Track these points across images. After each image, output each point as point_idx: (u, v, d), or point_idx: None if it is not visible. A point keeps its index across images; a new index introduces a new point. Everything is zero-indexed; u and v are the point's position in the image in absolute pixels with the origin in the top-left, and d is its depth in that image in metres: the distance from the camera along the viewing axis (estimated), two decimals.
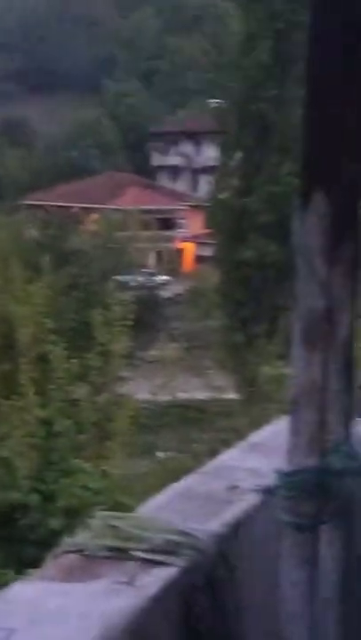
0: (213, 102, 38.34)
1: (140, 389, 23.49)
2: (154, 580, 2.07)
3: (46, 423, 10.99)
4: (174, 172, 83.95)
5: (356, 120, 2.35)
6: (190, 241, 65.69)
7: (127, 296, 21.35)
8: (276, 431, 3.04)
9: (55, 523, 9.89)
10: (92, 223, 49.80)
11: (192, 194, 75.48)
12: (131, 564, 2.12)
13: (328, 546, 2.45)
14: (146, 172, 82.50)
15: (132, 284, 41.50)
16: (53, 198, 61.63)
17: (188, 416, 25.76)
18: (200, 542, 2.23)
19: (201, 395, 25.68)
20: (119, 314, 20.00)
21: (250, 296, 33.18)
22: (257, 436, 3.21)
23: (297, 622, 2.32)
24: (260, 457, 2.89)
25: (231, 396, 26.76)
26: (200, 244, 58.07)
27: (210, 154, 60.59)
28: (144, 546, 2.17)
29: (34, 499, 10.19)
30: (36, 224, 42.96)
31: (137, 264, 47.61)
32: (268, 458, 2.80)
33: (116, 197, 65.22)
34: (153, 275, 53.38)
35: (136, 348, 25.98)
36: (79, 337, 24.96)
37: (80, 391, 19.74)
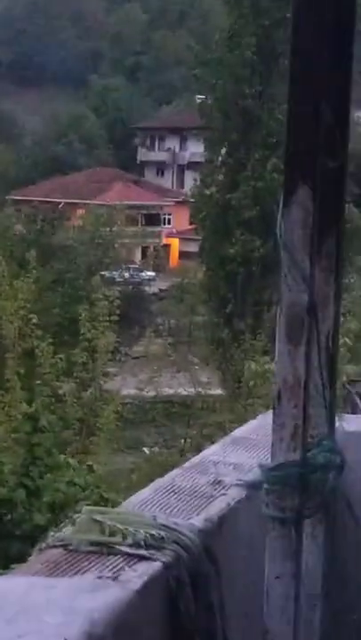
0: (199, 98, 38.33)
1: (126, 385, 23.47)
2: (138, 574, 2.08)
3: (32, 418, 10.96)
4: (160, 167, 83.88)
5: (339, 117, 2.36)
6: (176, 237, 65.66)
7: (113, 292, 21.30)
8: (260, 426, 3.05)
9: (40, 518, 9.88)
10: (77, 218, 49.70)
11: (178, 189, 75.45)
12: (115, 559, 2.13)
13: (312, 539, 2.46)
14: (131, 167, 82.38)
15: (118, 279, 41.46)
16: (39, 193, 61.50)
17: (173, 411, 25.76)
18: (184, 537, 2.24)
19: (186, 390, 25.67)
20: (105, 309, 19.98)
21: (235, 292, 33.19)
22: (241, 431, 3.22)
23: (281, 615, 2.33)
24: (243, 452, 2.90)
25: (216, 391, 26.78)
26: (186, 239, 58.04)
27: (195, 149, 60.56)
28: (129, 541, 2.17)
29: (19, 494, 10.17)
30: (21, 219, 42.84)
31: (123, 260, 47.56)
32: (251, 452, 2.81)
33: (102, 193, 65.11)
34: (139, 270, 53.36)
35: (121, 343, 25.94)
36: (65, 332, 24.94)
37: (66, 387, 19.74)
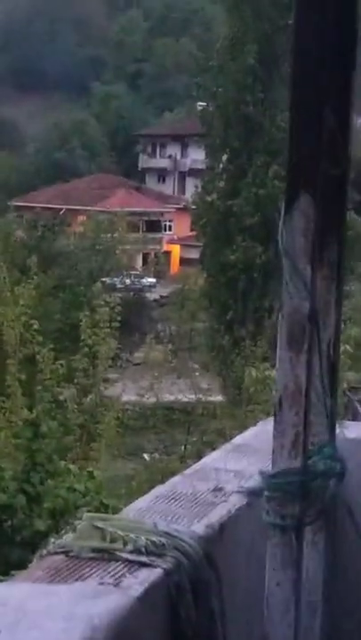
0: (200, 105, 38.38)
1: (126, 391, 23.46)
2: (139, 581, 2.08)
3: (32, 424, 10.96)
4: (161, 174, 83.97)
5: (340, 124, 2.36)
6: (177, 243, 65.69)
7: (114, 298, 21.31)
8: (261, 433, 3.05)
9: (41, 524, 9.87)
10: (79, 225, 49.75)
11: (179, 196, 75.52)
12: (116, 566, 2.13)
13: (312, 546, 2.46)
14: (133, 174, 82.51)
15: (119, 286, 41.47)
16: (41, 200, 61.58)
17: (174, 418, 25.76)
18: (185, 544, 2.24)
19: (186, 397, 25.66)
20: (106, 316, 19.98)
21: (236, 298, 33.19)
22: (241, 438, 3.22)
23: (282, 622, 2.33)
24: (244, 459, 2.90)
25: (217, 398, 26.78)
26: (187, 246, 58.06)
27: (197, 156, 60.62)
28: (129, 547, 2.17)
29: (20, 500, 10.16)
30: (23, 225, 42.88)
31: (124, 266, 47.57)
32: (252, 459, 2.81)
33: (104, 199, 65.20)
34: (140, 277, 53.37)
35: (122, 349, 25.94)
36: (66, 338, 24.96)
37: (66, 393, 19.73)
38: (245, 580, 2.55)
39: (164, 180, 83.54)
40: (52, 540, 2.23)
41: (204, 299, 35.93)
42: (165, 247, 65.62)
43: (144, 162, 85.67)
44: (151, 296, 50.22)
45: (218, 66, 34.60)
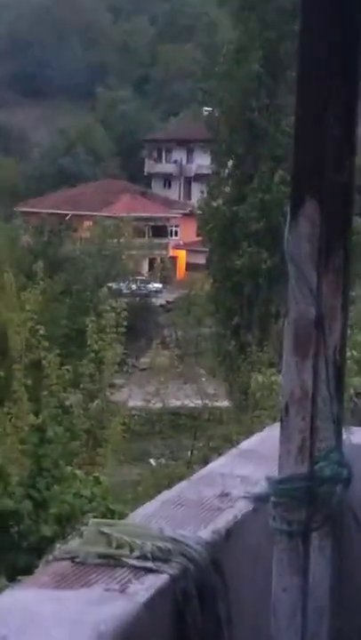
0: (206, 110, 38.43)
1: (133, 396, 23.47)
2: (146, 587, 2.08)
3: (39, 430, 10.97)
4: (167, 179, 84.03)
5: (346, 130, 2.37)
6: (183, 248, 65.71)
7: (120, 303, 21.33)
8: (267, 438, 3.05)
9: (47, 529, 9.88)
10: (85, 230, 49.81)
11: (185, 201, 75.55)
12: (123, 572, 2.13)
13: (319, 552, 2.46)
14: (139, 179, 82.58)
15: (125, 291, 41.50)
16: (47, 205, 61.65)
17: (180, 423, 25.76)
18: (191, 549, 2.24)
19: (193, 402, 25.66)
20: (112, 321, 20.01)
21: (242, 304, 33.20)
22: (248, 444, 3.22)
23: (288, 628, 2.33)
24: (251, 464, 2.90)
25: (223, 403, 26.77)
26: (193, 251, 58.09)
27: (202, 162, 60.66)
28: (136, 553, 2.17)
29: (26, 506, 10.17)
30: (29, 231, 42.95)
31: (130, 271, 47.62)
32: (259, 465, 2.81)
33: (110, 205, 65.26)
34: (146, 282, 53.40)
35: (128, 355, 25.96)
36: (72, 344, 24.98)
37: (73, 398, 19.75)
38: (252, 585, 2.55)
39: (169, 186, 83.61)
40: (59, 545, 2.24)
41: (211, 304, 35.94)
42: (171, 252, 65.65)
43: (150, 167, 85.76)
44: (157, 301, 50.25)
45: (223, 71, 34.64)
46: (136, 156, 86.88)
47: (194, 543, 2.26)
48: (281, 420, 2.31)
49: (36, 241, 39.82)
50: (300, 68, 2.28)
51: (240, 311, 33.10)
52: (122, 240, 46.48)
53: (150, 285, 53.55)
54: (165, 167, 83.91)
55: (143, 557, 2.16)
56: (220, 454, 3.23)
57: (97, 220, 51.63)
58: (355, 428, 3.04)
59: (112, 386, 21.57)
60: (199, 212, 37.63)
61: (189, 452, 23.15)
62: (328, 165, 2.29)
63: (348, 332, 2.52)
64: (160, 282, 55.97)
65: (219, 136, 35.40)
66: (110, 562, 2.15)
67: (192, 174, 77.53)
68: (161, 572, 2.14)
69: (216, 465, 2.99)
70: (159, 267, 56.94)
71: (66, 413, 18.22)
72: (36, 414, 14.15)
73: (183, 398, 26.10)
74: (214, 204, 34.90)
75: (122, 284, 42.86)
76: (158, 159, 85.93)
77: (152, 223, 67.78)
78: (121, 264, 44.54)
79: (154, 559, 2.17)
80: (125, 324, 20.40)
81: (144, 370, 28.66)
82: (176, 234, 71.35)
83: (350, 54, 2.35)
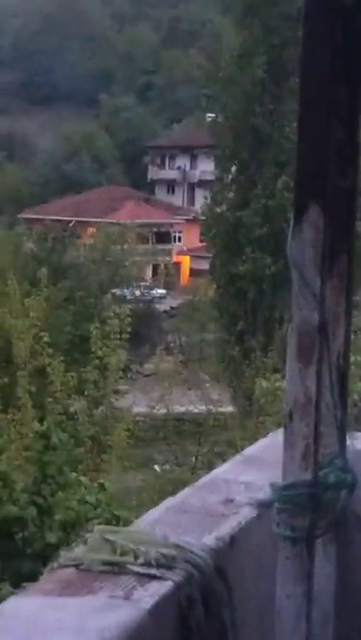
0: (209, 116, 38.45)
1: (137, 403, 23.47)
2: (150, 594, 2.08)
3: (43, 436, 10.96)
4: (170, 185, 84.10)
5: (349, 135, 2.37)
6: (186, 254, 65.74)
7: (124, 309, 21.34)
8: (271, 444, 3.05)
9: (52, 536, 9.86)
10: (89, 237, 49.84)
11: (188, 207, 75.61)
12: (127, 578, 2.13)
13: (323, 559, 2.46)
14: (142, 185, 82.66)
15: (129, 297, 41.51)
16: (51, 212, 61.75)
17: (185, 429, 25.74)
18: (196, 556, 2.23)
19: (197, 408, 25.65)
20: (116, 327, 20.01)
21: (246, 309, 33.19)
22: (252, 450, 3.22)
23: (293, 635, 2.32)
24: (255, 470, 2.90)
25: (227, 409, 26.75)
26: (196, 257, 58.11)
27: (206, 167, 60.73)
28: (140, 560, 2.17)
29: (31, 512, 10.16)
30: (33, 238, 42.99)
31: (133, 278, 47.63)
32: (263, 471, 2.81)
33: (113, 211, 65.30)
34: (149, 288, 53.42)
35: (133, 361, 25.98)
36: (76, 350, 25.00)
37: (77, 404, 19.76)
38: (256, 592, 2.54)
39: (173, 192, 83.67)
40: (63, 552, 2.23)
41: (214, 310, 35.93)
42: (175, 258, 65.68)
43: (153, 173, 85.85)
44: (161, 307, 50.26)
45: (227, 77, 34.66)
46: (140, 163, 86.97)
47: (198, 550, 2.25)
48: (285, 427, 2.31)
49: (40, 248, 39.86)
50: (303, 73, 2.28)
51: (244, 317, 33.09)
52: (125, 246, 46.51)
53: (154, 291, 53.57)
54: (169, 173, 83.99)
55: (147, 564, 2.16)
56: (224, 460, 3.22)
57: (101, 226, 51.65)
58: (359, 434, 3.04)
59: (116, 392, 21.57)
60: (203, 217, 37.65)
61: (194, 458, 23.15)
62: (331, 170, 2.29)
63: (352, 337, 2.52)
64: (164, 288, 55.99)
65: (222, 142, 35.41)
66: (115, 569, 2.15)
67: (195, 180, 77.59)
68: (165, 579, 2.14)
69: (220, 471, 2.99)
70: (163, 273, 56.95)
71: (70, 420, 18.23)
72: (41, 421, 14.13)
73: (187, 404, 26.09)
74: (218, 210, 34.92)
75: (126, 291, 42.86)
76: (162, 165, 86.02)
77: (156, 229, 67.82)
78: (125, 270, 44.56)
79: (158, 566, 2.16)
80: (129, 330, 20.40)
81: (148, 376, 28.67)
82: (180, 240, 71.39)
83: (354, 58, 2.34)
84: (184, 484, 2.91)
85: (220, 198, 35.58)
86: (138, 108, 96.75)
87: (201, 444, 23.71)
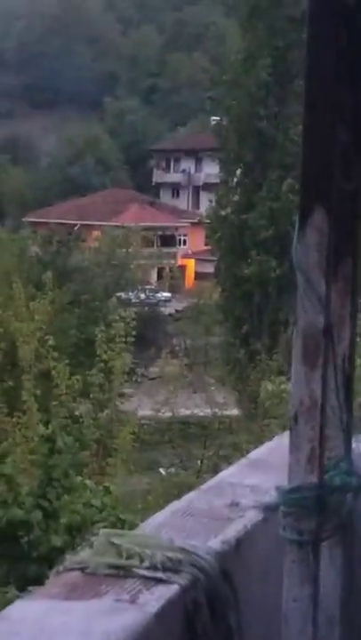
0: (214, 119, 38.48)
1: (142, 406, 23.46)
2: (156, 597, 2.08)
3: (49, 440, 10.96)
4: (175, 188, 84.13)
5: (354, 138, 2.36)
6: (191, 257, 65.74)
7: (129, 313, 21.34)
8: (277, 447, 3.05)
9: (57, 540, 9.86)
10: (93, 240, 49.88)
11: (193, 210, 75.61)
12: (133, 582, 2.13)
13: (329, 562, 2.45)
14: (147, 188, 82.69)
15: (134, 300, 41.52)
16: (55, 215, 61.76)
17: (190, 432, 25.73)
18: (202, 559, 2.23)
19: (202, 411, 25.64)
20: (121, 330, 20.01)
21: (251, 312, 33.19)
22: (258, 453, 3.21)
23: (299, 638, 2.32)
24: (260, 473, 2.89)
25: (233, 412, 26.74)
26: (201, 260, 58.12)
27: (211, 170, 60.74)
28: (146, 563, 2.17)
29: (36, 516, 10.16)
30: (37, 241, 43.02)
31: (138, 281, 47.65)
32: (268, 474, 2.80)
33: (118, 214, 65.34)
34: (154, 291, 53.43)
35: (138, 364, 25.96)
36: (81, 354, 24.99)
37: (82, 408, 19.75)
38: (262, 595, 2.54)
39: (178, 195, 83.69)
40: (69, 556, 2.23)
41: (220, 313, 35.95)
42: (180, 261, 65.68)
43: (158, 176, 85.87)
44: (166, 310, 50.28)
45: (231, 80, 34.70)
46: (144, 166, 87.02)
47: (204, 553, 2.25)
48: (290, 429, 2.31)
49: (45, 251, 39.87)
50: (307, 75, 2.28)
51: (249, 319, 33.10)
52: (130, 250, 46.54)
53: (159, 294, 53.58)
54: (174, 176, 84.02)
55: (153, 568, 2.16)
56: (229, 463, 3.22)
57: (105, 229, 51.70)
58: None
59: (121, 395, 21.57)
60: (208, 220, 37.68)
61: (199, 462, 23.12)
62: (336, 173, 2.28)
63: (357, 340, 2.52)
64: (169, 291, 56.00)
65: (227, 145, 35.44)
66: (120, 572, 2.15)
67: (200, 183, 77.62)
68: (171, 583, 2.13)
69: (226, 474, 2.99)
70: (168, 276, 56.98)
71: (75, 423, 18.23)
72: (46, 424, 14.13)
73: (193, 407, 26.08)
74: (223, 213, 34.95)
75: (131, 294, 42.88)
76: (166, 168, 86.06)
77: (160, 232, 67.82)
78: (130, 273, 44.58)
79: (164, 569, 2.16)
80: (134, 333, 20.40)
81: (153, 379, 28.66)
82: (185, 243, 71.39)
83: (358, 61, 2.34)
84: (189, 488, 2.91)
85: (224, 201, 35.61)
86: (142, 111, 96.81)
87: (206, 447, 23.70)
